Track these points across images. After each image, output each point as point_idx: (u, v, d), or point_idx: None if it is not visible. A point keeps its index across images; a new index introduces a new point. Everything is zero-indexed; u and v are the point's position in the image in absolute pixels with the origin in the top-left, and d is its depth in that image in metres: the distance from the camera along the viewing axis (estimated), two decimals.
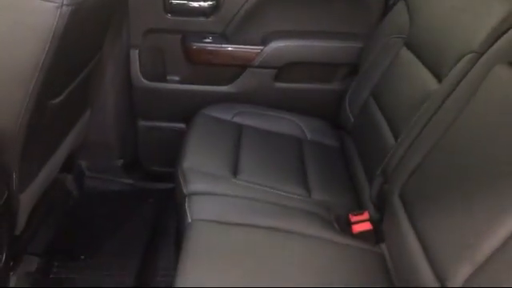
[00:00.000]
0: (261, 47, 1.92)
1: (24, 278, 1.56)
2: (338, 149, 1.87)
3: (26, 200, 1.42)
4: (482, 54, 1.20)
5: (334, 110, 1.96)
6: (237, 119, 1.85)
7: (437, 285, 0.97)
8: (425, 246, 1.05)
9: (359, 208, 1.51)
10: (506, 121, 1.01)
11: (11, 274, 1.53)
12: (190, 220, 1.29)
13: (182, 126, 2.08)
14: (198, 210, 1.31)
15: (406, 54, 1.60)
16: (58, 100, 1.41)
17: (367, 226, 1.38)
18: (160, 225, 1.99)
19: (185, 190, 1.40)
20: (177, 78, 2.05)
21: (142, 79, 2.00)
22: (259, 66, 1.95)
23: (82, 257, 1.77)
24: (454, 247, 0.94)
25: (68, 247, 1.81)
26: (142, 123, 2.13)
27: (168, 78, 2.04)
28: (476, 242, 0.90)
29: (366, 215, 1.42)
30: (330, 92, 2.00)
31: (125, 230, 1.95)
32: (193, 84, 2.02)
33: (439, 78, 1.35)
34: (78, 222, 1.96)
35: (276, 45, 1.92)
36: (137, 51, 1.98)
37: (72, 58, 1.41)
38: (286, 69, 1.96)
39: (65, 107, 1.52)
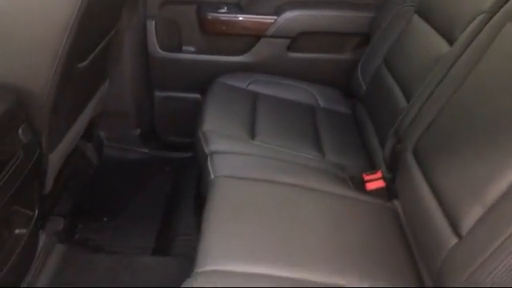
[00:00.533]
0: (274, 17, 1.97)
1: (52, 237, 1.64)
2: (350, 116, 1.93)
3: (54, 160, 1.49)
4: (493, 15, 1.24)
5: (346, 79, 2.01)
6: (252, 87, 1.91)
7: (449, 230, 1.04)
8: (438, 195, 1.11)
9: (372, 169, 1.57)
10: None
11: (41, 232, 1.61)
12: (212, 176, 1.36)
13: (197, 96, 2.14)
14: (220, 167, 1.38)
15: (418, 21, 1.65)
16: (83, 64, 1.47)
17: (380, 184, 1.45)
18: (177, 191, 2.06)
19: (206, 150, 1.47)
20: (192, 49, 2.10)
21: (159, 50, 2.06)
22: (273, 36, 2.00)
23: (105, 219, 1.85)
24: (466, 192, 1.00)
25: (90, 210, 1.89)
26: (158, 93, 2.18)
27: (183, 48, 2.10)
28: (486, 185, 0.96)
29: (379, 174, 1.48)
30: (342, 61, 2.05)
31: (143, 196, 2.02)
32: (208, 54, 2.07)
33: (451, 41, 1.40)
34: (98, 188, 2.03)
35: (289, 15, 1.96)
36: (153, 22, 2.03)
37: (96, 24, 1.47)
38: (299, 38, 2.01)
39: (89, 72, 1.58)
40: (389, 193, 1.42)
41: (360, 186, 1.47)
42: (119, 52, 1.99)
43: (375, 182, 1.45)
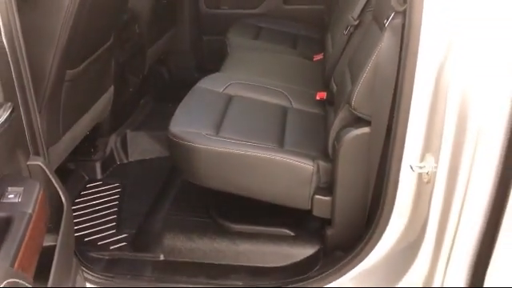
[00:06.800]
0: None
1: (147, 99, 2.96)
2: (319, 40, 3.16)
3: (149, 54, 2.82)
4: None
5: (319, 22, 3.25)
6: (260, 24, 3.20)
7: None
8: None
9: None
10: None
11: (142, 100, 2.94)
12: (229, 51, 2.63)
13: None
14: (234, 48, 2.67)
15: None
16: (166, 1, 2.81)
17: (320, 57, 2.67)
18: None
19: (227, 42, 2.77)
20: (226, 7, 3.41)
21: (205, 8, 3.38)
22: None
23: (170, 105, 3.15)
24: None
25: (166, 99, 3.19)
26: (205, 37, 3.50)
27: (221, 7, 3.41)
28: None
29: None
30: (315, 10, 3.29)
31: None
32: (235, 9, 3.37)
33: None
34: (169, 91, 3.34)
35: None
36: None
37: None
38: None
39: (166, 8, 2.92)
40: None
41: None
42: (181, 8, 3.33)
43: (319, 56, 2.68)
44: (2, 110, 0.99)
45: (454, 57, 1.24)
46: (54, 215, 1.24)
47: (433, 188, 1.37)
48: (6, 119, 0.97)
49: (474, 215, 1.35)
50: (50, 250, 1.16)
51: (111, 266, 1.87)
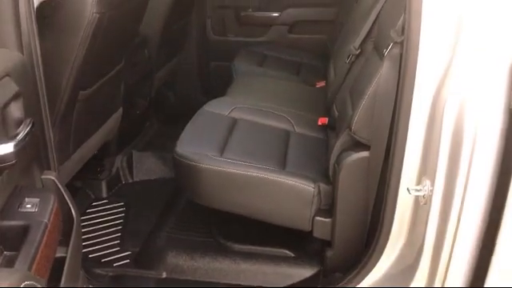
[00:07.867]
0: (279, 13, 3.38)
1: (156, 120, 3.04)
2: (323, 69, 3.25)
3: (158, 77, 2.90)
4: None
5: (320, 50, 3.35)
6: (265, 52, 3.29)
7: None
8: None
9: None
10: None
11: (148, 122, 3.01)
12: (235, 77, 2.72)
13: None
14: (239, 74, 2.75)
15: None
16: (174, 26, 2.91)
17: (322, 84, 2.75)
18: None
19: (233, 68, 2.85)
20: (232, 35, 3.52)
21: (213, 35, 3.49)
22: (278, 24, 3.39)
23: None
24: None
25: (173, 119, 3.27)
26: (213, 63, 3.60)
27: (228, 34, 3.52)
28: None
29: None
30: (318, 39, 3.39)
31: None
32: (241, 37, 3.47)
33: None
34: (175, 112, 3.42)
35: (288, 11, 3.37)
36: (209, 20, 3.48)
37: (179, 12, 2.93)
38: (294, 25, 3.39)
39: (175, 34, 3.02)
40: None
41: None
42: (189, 35, 3.43)
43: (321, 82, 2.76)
44: (24, 125, 1.06)
45: (449, 85, 1.31)
46: (63, 229, 1.30)
47: (429, 210, 1.43)
48: (27, 133, 1.04)
49: (468, 237, 1.40)
50: (60, 262, 1.21)
51: (115, 283, 1.91)
